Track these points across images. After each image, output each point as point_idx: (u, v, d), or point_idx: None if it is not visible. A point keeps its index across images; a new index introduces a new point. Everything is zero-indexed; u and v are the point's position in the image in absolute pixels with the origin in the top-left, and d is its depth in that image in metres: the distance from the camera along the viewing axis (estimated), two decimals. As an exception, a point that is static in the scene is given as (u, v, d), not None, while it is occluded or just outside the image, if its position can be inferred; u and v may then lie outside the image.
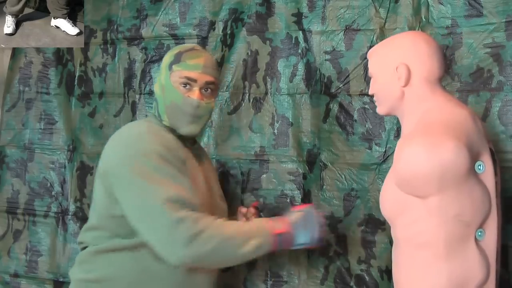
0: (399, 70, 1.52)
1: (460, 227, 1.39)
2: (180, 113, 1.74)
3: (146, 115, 2.43)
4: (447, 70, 1.95)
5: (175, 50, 1.80)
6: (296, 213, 1.73)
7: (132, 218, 1.61)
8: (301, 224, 1.70)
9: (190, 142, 1.83)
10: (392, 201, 1.51)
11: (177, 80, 1.73)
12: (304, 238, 1.69)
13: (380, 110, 1.62)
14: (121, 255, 1.67)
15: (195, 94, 1.73)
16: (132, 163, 1.61)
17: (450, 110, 1.48)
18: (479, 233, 1.41)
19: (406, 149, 1.39)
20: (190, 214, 1.56)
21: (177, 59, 1.75)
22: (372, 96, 2.07)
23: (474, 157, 1.40)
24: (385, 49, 1.59)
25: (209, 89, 1.76)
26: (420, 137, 1.38)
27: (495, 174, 1.48)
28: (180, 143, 1.75)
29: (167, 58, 1.79)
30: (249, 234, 1.62)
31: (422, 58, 1.52)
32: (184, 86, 1.73)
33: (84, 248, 1.78)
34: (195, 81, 1.73)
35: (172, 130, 1.77)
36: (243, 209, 1.96)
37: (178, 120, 1.75)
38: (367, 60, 2.09)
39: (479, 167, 1.43)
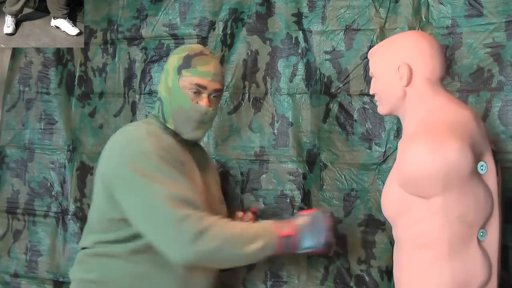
0: (401, 70, 1.51)
1: (463, 227, 1.39)
2: (187, 118, 1.75)
3: (147, 115, 2.43)
4: (448, 70, 1.94)
5: (182, 52, 1.78)
6: (303, 217, 1.71)
7: (135, 218, 1.61)
8: (308, 228, 1.66)
9: (191, 144, 1.82)
10: (394, 201, 1.51)
11: (187, 86, 1.73)
12: (310, 242, 1.66)
13: (382, 110, 1.62)
14: (118, 260, 1.67)
15: (203, 101, 1.75)
16: (132, 163, 1.61)
17: (452, 110, 1.48)
18: (481, 234, 1.42)
19: (411, 149, 1.39)
20: (194, 212, 1.56)
21: (186, 64, 1.74)
22: (372, 96, 2.07)
23: (477, 158, 1.41)
24: (386, 49, 1.58)
25: (215, 96, 1.78)
26: (425, 137, 1.38)
27: (497, 174, 1.48)
28: (180, 146, 1.75)
29: (175, 60, 1.77)
30: (255, 234, 1.61)
31: (424, 58, 1.51)
32: (193, 92, 1.73)
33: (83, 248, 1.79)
34: (205, 88, 1.74)
35: (174, 133, 1.77)
36: (240, 213, 1.96)
37: (183, 124, 1.75)
38: (367, 60, 2.08)
39: (481, 167, 1.43)
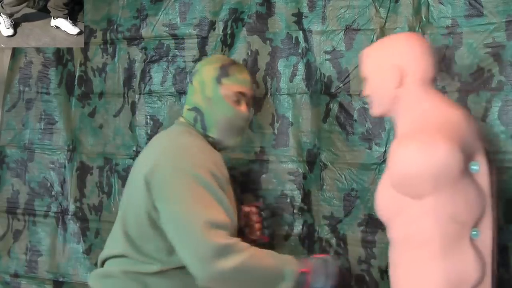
0: (392, 72, 1.53)
1: (455, 226, 1.40)
2: (231, 127, 1.80)
3: (146, 115, 2.43)
4: (441, 71, 1.95)
5: (214, 62, 1.83)
6: (316, 259, 1.78)
7: (169, 230, 1.62)
8: (321, 269, 1.72)
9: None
10: (387, 202, 1.52)
11: (229, 94, 1.79)
12: (321, 283, 1.71)
13: (374, 112, 1.64)
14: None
15: (244, 108, 1.82)
16: (183, 176, 1.62)
17: (444, 111, 1.50)
18: (474, 233, 1.43)
19: (400, 150, 1.41)
20: (225, 238, 1.58)
21: (224, 73, 1.80)
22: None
23: (468, 158, 1.42)
24: (378, 51, 1.60)
25: (249, 102, 1.86)
26: (414, 138, 1.40)
27: (490, 174, 1.49)
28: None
29: (211, 71, 1.80)
30: (276, 269, 1.64)
31: (416, 60, 1.53)
32: (234, 100, 1.79)
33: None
34: (244, 95, 1.81)
35: (213, 144, 1.80)
36: (246, 208, 1.98)
37: (228, 133, 1.80)
38: (365, 61, 2.11)
39: (473, 167, 1.45)
